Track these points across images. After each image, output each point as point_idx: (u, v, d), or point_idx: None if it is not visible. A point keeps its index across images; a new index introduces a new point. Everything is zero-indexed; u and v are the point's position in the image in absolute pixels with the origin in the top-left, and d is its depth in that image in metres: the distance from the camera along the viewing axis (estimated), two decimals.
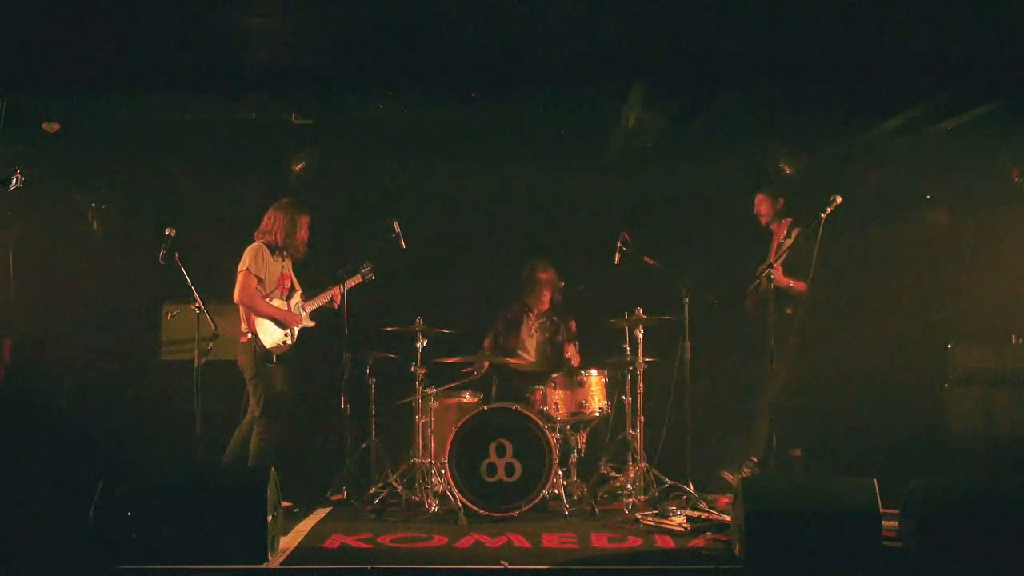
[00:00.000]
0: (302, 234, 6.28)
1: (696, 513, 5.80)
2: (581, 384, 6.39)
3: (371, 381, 6.58)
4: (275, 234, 6.20)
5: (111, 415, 6.74)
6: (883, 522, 4.68)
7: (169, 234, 5.75)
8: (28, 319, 6.73)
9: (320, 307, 6.49)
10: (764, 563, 4.60)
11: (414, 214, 6.94)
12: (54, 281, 6.80)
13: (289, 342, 6.28)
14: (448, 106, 6.49)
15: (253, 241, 6.24)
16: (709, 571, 4.75)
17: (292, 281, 6.38)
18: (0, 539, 4.85)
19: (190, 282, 5.81)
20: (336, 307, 6.45)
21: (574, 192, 7.57)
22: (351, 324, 6.38)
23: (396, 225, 6.42)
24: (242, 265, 6.09)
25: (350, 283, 6.47)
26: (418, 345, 6.22)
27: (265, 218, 6.25)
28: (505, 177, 7.48)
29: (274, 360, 6.15)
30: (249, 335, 6.06)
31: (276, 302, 6.21)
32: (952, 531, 4.54)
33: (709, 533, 5.43)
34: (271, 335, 6.14)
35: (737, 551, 4.79)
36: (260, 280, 6.10)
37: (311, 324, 6.44)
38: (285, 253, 6.27)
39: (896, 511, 4.85)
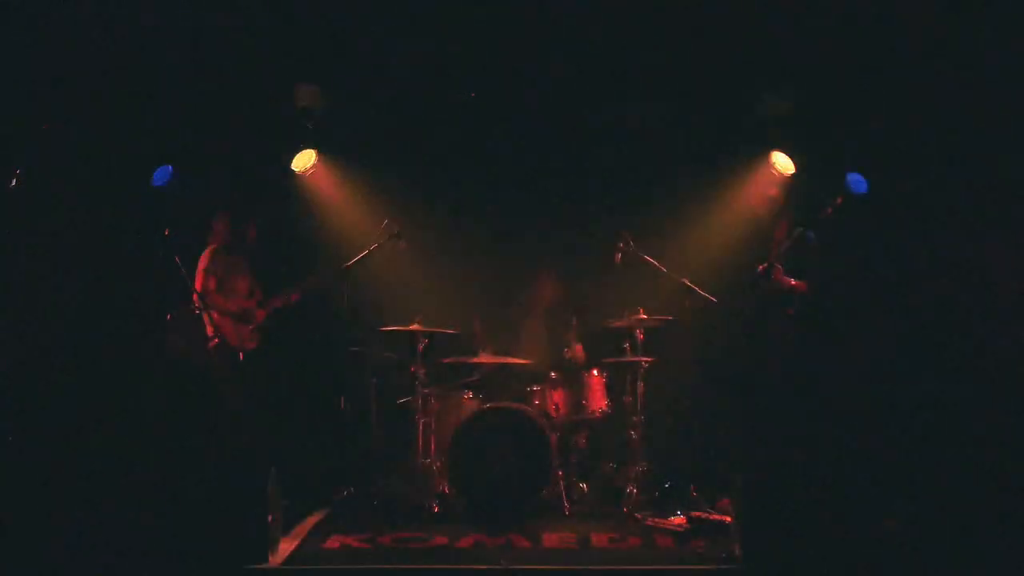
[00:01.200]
0: (250, 233, 6.44)
1: (696, 513, 5.80)
2: (581, 384, 6.39)
3: (371, 381, 6.59)
4: (223, 235, 6.36)
5: (111, 415, 6.73)
6: (884, 521, 4.70)
7: (169, 235, 5.78)
8: (28, 319, 6.72)
9: (286, 305, 6.53)
10: (764, 563, 4.60)
11: (414, 213, 6.93)
12: (54, 281, 6.80)
13: (255, 339, 6.31)
14: (449, 105, 6.50)
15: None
16: (709, 571, 4.75)
17: (251, 282, 6.43)
18: None
19: (188, 283, 5.86)
20: (294, 301, 6.53)
21: (575, 192, 7.56)
22: (351, 323, 6.40)
23: (396, 224, 6.41)
24: (198, 268, 6.17)
25: (311, 283, 6.55)
26: (418, 345, 6.24)
27: (214, 222, 6.36)
28: (505, 175, 7.48)
29: (241, 357, 6.19)
30: (217, 339, 6.09)
31: (235, 301, 6.27)
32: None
33: (709, 533, 5.43)
34: (233, 334, 6.19)
35: (737, 551, 4.79)
36: (218, 281, 6.18)
37: (271, 323, 6.46)
38: (241, 254, 6.35)
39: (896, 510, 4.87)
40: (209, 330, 6.10)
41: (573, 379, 6.42)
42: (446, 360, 6.53)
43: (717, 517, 5.68)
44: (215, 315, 6.07)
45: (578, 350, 6.81)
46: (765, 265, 5.95)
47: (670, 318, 6.43)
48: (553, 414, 6.28)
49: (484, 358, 6.40)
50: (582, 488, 6.20)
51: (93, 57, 5.45)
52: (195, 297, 6.02)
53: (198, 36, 5.21)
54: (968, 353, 6.57)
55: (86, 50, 5.35)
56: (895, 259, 6.96)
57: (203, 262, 6.23)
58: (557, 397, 6.34)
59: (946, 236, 6.77)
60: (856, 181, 6.62)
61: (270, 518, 4.81)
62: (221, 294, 6.19)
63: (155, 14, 4.89)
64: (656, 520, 5.75)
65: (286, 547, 5.14)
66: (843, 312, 6.79)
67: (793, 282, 6.24)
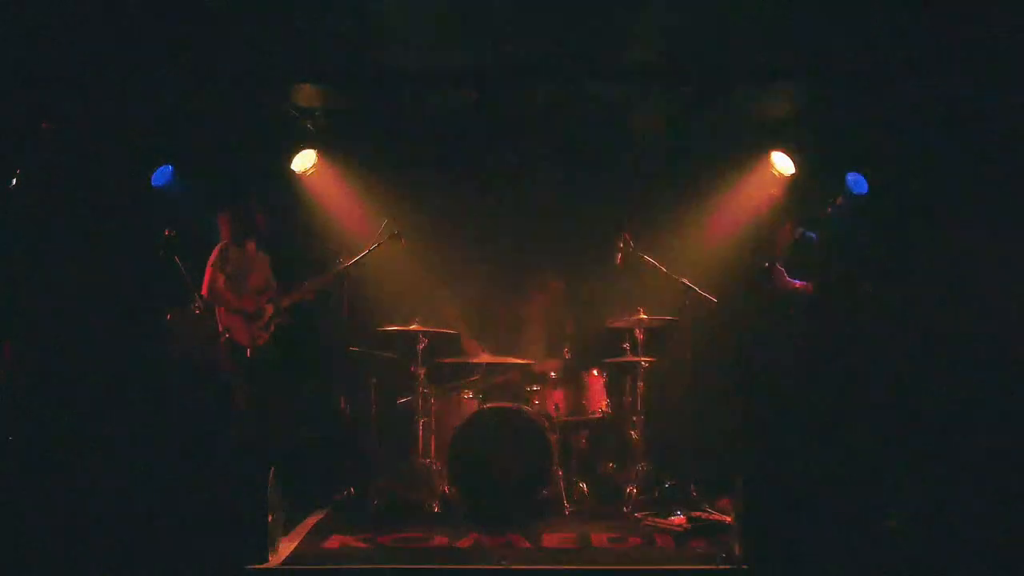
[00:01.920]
0: (259, 222, 6.44)
1: (696, 513, 5.80)
2: (581, 384, 6.38)
3: (371, 381, 6.58)
4: (231, 231, 6.35)
5: (112, 416, 6.73)
6: (885, 521, 4.70)
7: (169, 235, 5.78)
8: (28, 320, 6.72)
9: (303, 299, 6.52)
10: (764, 563, 4.60)
11: (415, 213, 6.93)
12: (54, 281, 6.80)
13: (264, 336, 6.30)
14: (450, 105, 6.50)
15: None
16: (709, 571, 4.74)
17: (267, 277, 6.41)
18: (1, 538, 4.85)
19: (189, 283, 5.87)
20: (312, 298, 6.49)
21: (576, 192, 7.56)
22: (351, 323, 6.40)
23: (396, 224, 6.41)
24: (208, 262, 6.17)
25: (328, 279, 6.51)
26: (418, 345, 6.24)
27: (219, 221, 6.39)
28: (506, 176, 7.48)
29: (249, 355, 6.18)
30: (226, 336, 6.09)
31: (246, 298, 6.26)
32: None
33: (709, 533, 5.42)
34: (243, 331, 6.18)
35: (737, 551, 4.79)
36: (227, 278, 6.17)
37: (286, 320, 6.45)
38: (255, 245, 6.33)
39: (895, 511, 4.86)
40: (220, 327, 6.10)
41: (573, 379, 6.41)
42: (446, 360, 6.53)
43: (717, 517, 5.68)
44: (224, 312, 6.06)
45: (565, 352, 6.75)
46: (766, 266, 5.96)
47: (670, 318, 6.43)
48: (553, 414, 6.28)
49: (484, 358, 6.40)
50: (582, 488, 6.20)
51: (93, 56, 5.45)
52: (196, 297, 6.01)
53: (198, 35, 5.21)
54: (970, 352, 6.57)
55: (86, 49, 5.34)
56: (895, 259, 6.97)
57: (212, 259, 6.22)
58: (557, 397, 6.33)
59: (946, 236, 6.79)
60: (856, 181, 6.64)
61: (270, 518, 4.81)
62: (231, 291, 6.18)
63: (154, 13, 4.89)
64: (656, 520, 5.75)
65: (286, 547, 5.14)
66: (844, 312, 6.80)
67: (797, 283, 6.25)
